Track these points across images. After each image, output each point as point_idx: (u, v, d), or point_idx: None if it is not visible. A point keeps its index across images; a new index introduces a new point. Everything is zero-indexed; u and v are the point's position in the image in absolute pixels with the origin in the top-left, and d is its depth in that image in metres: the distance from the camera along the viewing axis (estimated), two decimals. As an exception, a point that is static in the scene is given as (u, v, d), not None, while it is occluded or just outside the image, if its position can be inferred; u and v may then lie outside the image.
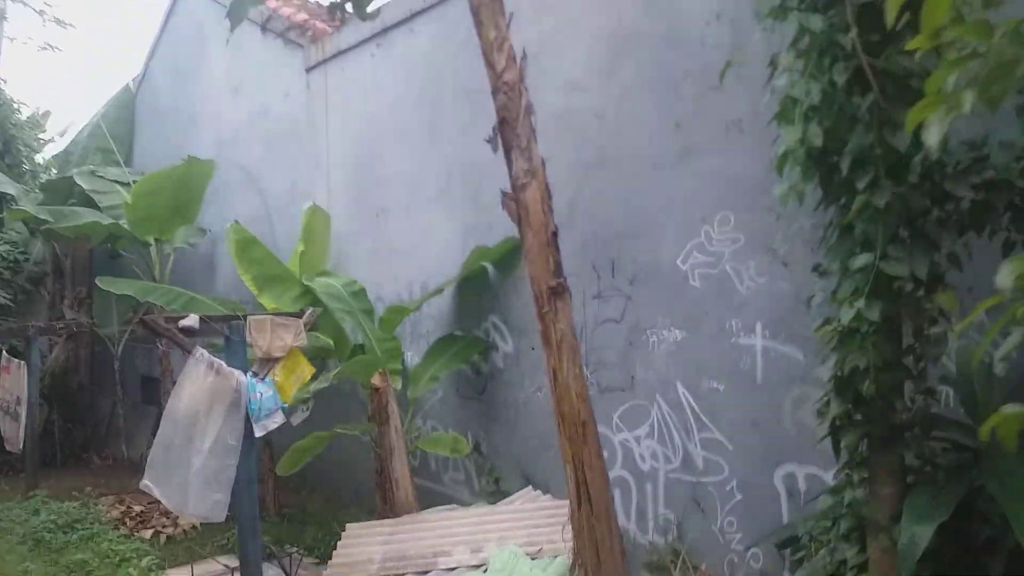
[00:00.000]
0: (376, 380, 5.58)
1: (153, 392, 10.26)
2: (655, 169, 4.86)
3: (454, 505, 5.29)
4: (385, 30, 6.91)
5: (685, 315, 4.75)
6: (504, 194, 3.89)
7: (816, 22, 2.84)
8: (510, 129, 3.81)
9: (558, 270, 3.84)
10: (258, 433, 4.40)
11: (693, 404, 4.75)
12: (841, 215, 3.15)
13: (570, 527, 4.07)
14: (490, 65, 3.86)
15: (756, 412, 4.47)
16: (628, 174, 5.00)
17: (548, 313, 3.82)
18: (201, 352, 4.37)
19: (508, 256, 5.82)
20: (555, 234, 3.86)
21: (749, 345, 4.48)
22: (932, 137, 1.80)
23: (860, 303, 2.83)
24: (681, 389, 4.80)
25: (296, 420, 5.14)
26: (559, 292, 3.81)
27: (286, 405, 4.74)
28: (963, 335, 3.51)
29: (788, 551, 4.09)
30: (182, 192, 8.53)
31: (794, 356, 4.30)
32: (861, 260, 2.85)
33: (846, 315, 2.93)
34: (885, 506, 3.21)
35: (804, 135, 2.90)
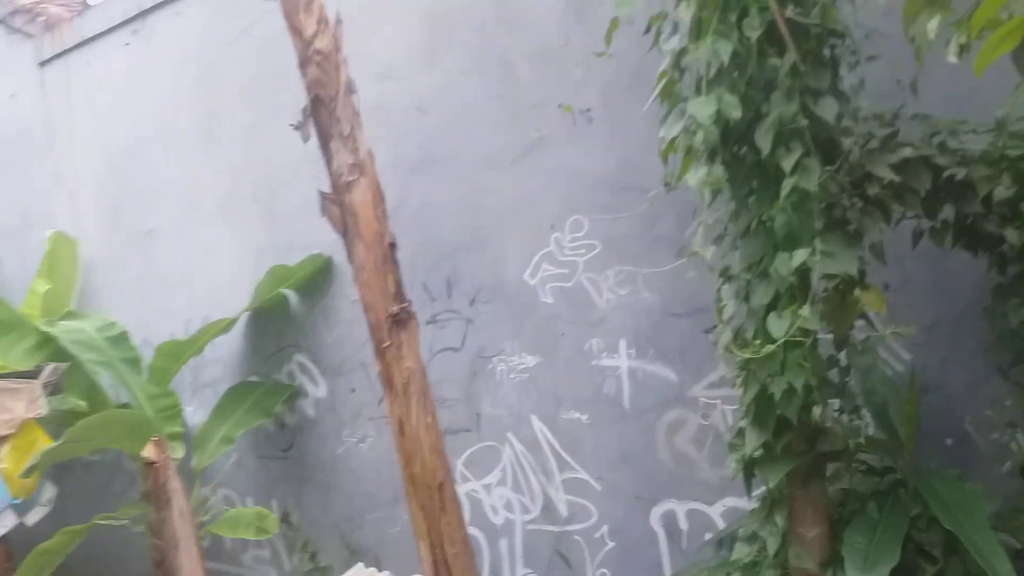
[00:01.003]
0: (150, 451, 4.33)
1: None
2: (492, 169, 4.16)
3: (265, 600, 4.21)
4: (143, 13, 5.64)
5: (537, 337, 4.08)
6: (323, 195, 2.98)
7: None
8: (327, 111, 2.91)
9: (400, 292, 2.99)
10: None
11: (552, 440, 4.07)
12: (744, 206, 2.62)
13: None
14: (296, 31, 2.94)
15: (625, 443, 3.88)
16: (461, 176, 4.25)
17: (390, 348, 2.96)
18: None
19: (314, 278, 4.82)
20: (393, 246, 3.02)
21: (613, 367, 3.89)
22: None
23: (805, 310, 2.28)
24: (537, 424, 4.11)
25: (33, 519, 3.80)
26: (403, 320, 2.96)
27: (18, 501, 3.43)
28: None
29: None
30: None
31: (665, 376, 3.76)
32: (798, 258, 2.31)
33: (778, 326, 2.37)
34: (813, 551, 2.71)
35: (720, 105, 2.32)
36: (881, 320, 2.98)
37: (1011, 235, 2.48)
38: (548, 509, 4.11)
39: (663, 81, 2.75)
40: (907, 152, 2.58)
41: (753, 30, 2.31)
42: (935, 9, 1.78)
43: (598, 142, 3.85)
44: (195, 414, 5.42)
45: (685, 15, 2.43)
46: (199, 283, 5.47)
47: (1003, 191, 2.48)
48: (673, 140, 2.63)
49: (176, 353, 5.07)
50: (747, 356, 2.41)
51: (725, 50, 2.31)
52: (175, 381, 5.24)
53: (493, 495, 4.27)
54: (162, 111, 5.63)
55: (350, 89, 2.99)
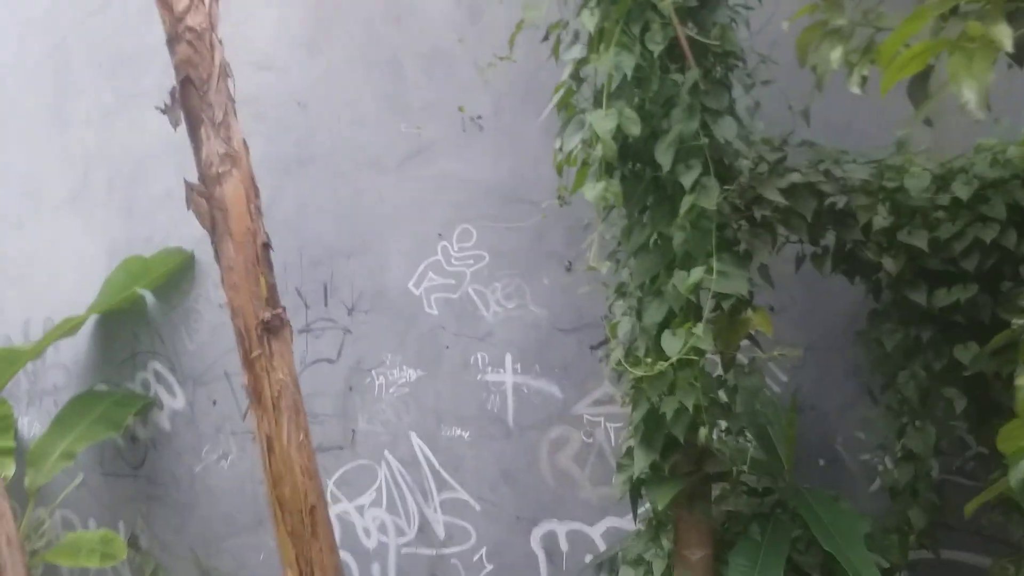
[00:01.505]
0: (-30, 469, 3.82)
1: None
2: (377, 172, 3.96)
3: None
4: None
5: (420, 350, 3.90)
6: (190, 186, 2.70)
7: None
8: (198, 94, 2.64)
9: (273, 297, 2.75)
10: None
11: (431, 458, 3.90)
12: (639, 222, 2.58)
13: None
14: (165, 5, 2.65)
15: (507, 462, 3.77)
16: (342, 177, 4.02)
17: (260, 358, 2.71)
18: None
19: (175, 277, 4.43)
20: (267, 246, 2.78)
21: (498, 382, 3.77)
22: (973, 97, 1.22)
23: (699, 329, 2.24)
24: (416, 441, 3.93)
25: None
26: (276, 328, 2.72)
27: None
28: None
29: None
30: None
31: (550, 392, 3.68)
32: (695, 275, 2.27)
33: (672, 345, 2.33)
34: (698, 574, 2.69)
35: (620, 120, 2.25)
36: (765, 342, 3.01)
37: (887, 263, 2.55)
38: (424, 531, 3.93)
39: (560, 91, 2.68)
40: (795, 178, 2.61)
41: (656, 44, 2.27)
42: (836, 40, 1.78)
43: (488, 150, 3.74)
44: (31, 426, 4.88)
45: (588, 23, 2.35)
46: (42, 280, 4.93)
47: (881, 220, 2.55)
48: (570, 152, 2.56)
49: (10, 357, 4.55)
50: (639, 374, 2.34)
51: (628, 63, 2.25)
52: (9, 389, 4.69)
53: (366, 517, 4.04)
54: (3, 84, 5.06)
55: (225, 72, 2.73)
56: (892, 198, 2.57)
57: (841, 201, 2.65)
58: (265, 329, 2.73)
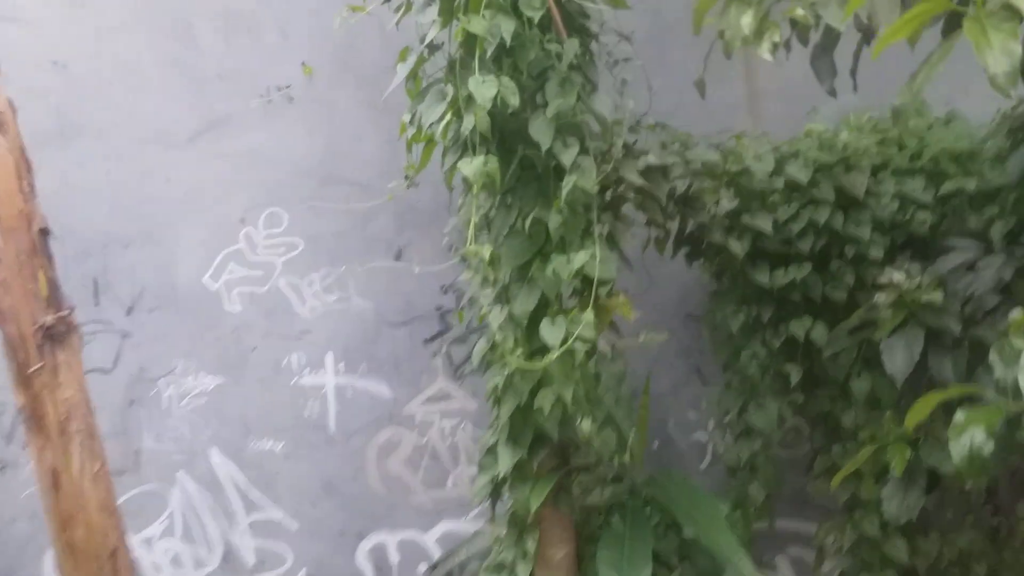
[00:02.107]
0: None
1: None
2: (163, 147, 3.37)
3: None
4: None
5: (220, 353, 3.39)
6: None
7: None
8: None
9: (56, 296, 2.17)
10: None
11: (237, 476, 3.42)
12: (503, 204, 2.41)
13: None
14: None
15: (330, 472, 3.42)
16: (117, 152, 3.37)
17: (41, 373, 2.13)
18: None
19: None
20: (45, 233, 2.20)
21: (317, 385, 3.40)
22: (1000, 71, 1.17)
23: (588, 315, 2.12)
24: (218, 458, 3.42)
25: None
26: (61, 335, 2.15)
27: None
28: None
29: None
30: None
31: (378, 392, 3.40)
32: (578, 261, 2.14)
33: (554, 334, 2.19)
34: (560, 573, 2.59)
35: (499, 89, 2.06)
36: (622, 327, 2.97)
37: (734, 245, 2.63)
38: (230, 559, 3.44)
39: (409, 58, 2.43)
40: (650, 160, 2.61)
41: (534, 11, 2.10)
42: (743, 6, 1.74)
43: (300, 125, 3.36)
44: None
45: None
46: None
47: (727, 203, 2.63)
48: (429, 126, 2.32)
49: None
50: (522, 366, 2.18)
51: (507, 27, 2.06)
52: None
53: (156, 550, 3.45)
54: None
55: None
56: (735, 182, 2.66)
57: (683, 185, 2.70)
58: (47, 336, 2.15)
